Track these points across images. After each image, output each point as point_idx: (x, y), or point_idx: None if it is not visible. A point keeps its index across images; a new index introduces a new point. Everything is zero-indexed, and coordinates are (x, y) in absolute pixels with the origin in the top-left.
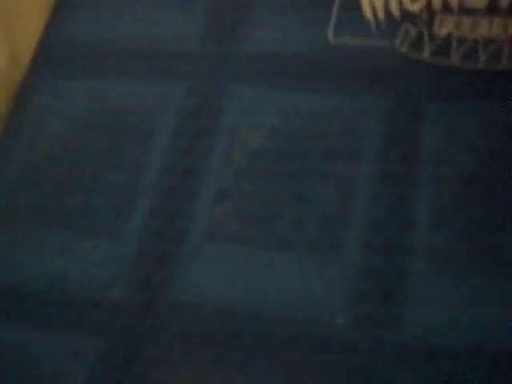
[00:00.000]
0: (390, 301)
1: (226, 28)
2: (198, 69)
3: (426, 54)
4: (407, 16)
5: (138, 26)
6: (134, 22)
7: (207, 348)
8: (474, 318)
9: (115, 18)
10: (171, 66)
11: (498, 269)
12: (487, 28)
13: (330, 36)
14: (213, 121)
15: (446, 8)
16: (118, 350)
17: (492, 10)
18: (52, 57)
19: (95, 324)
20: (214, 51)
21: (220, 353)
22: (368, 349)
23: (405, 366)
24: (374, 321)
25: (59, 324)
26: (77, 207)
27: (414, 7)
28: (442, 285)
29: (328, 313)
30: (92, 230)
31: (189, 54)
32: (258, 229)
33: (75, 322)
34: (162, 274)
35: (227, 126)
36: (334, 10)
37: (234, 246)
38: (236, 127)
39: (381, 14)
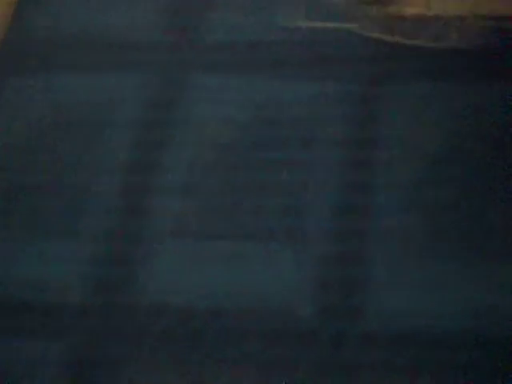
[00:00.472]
0: (352, 289)
1: (188, 15)
2: (158, 58)
3: (394, 35)
4: None
5: (99, 17)
6: (95, 13)
7: (170, 347)
8: (438, 303)
9: (76, 10)
10: (132, 57)
11: (462, 251)
12: (457, 6)
13: (297, 20)
14: (172, 112)
15: None
16: (79, 354)
17: None
18: (12, 53)
19: (55, 329)
20: (176, 40)
21: (183, 351)
22: (331, 339)
23: (369, 355)
24: (336, 310)
25: (19, 329)
26: (32, 207)
27: None
28: (405, 270)
29: (289, 304)
30: (50, 232)
31: (149, 43)
32: (217, 221)
33: (36, 326)
34: (121, 274)
35: (186, 117)
36: None
37: (193, 241)
38: (195, 118)
39: None
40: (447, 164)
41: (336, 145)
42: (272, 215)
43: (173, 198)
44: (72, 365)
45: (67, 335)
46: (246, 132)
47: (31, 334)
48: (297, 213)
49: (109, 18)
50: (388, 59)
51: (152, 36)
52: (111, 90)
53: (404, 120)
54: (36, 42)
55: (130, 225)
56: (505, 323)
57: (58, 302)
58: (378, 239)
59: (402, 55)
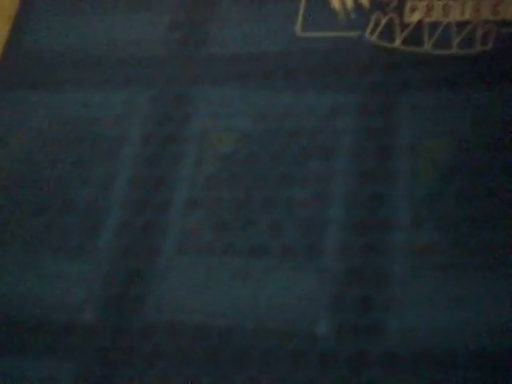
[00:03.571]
0: (370, 306)
1: (189, 29)
2: (163, 73)
3: (397, 42)
4: (377, 4)
5: (98, 33)
6: (94, 28)
7: (183, 367)
8: (457, 320)
9: (75, 27)
10: (135, 72)
11: (481, 265)
12: (459, 11)
13: (299, 30)
14: (181, 127)
15: None
16: (92, 373)
17: None
18: (12, 68)
19: (68, 348)
20: (178, 54)
21: (197, 371)
22: (350, 359)
23: (388, 374)
24: (355, 329)
25: (31, 349)
26: (44, 226)
27: None
28: (424, 286)
29: (307, 322)
30: (61, 250)
31: (152, 58)
32: (232, 237)
33: (48, 346)
34: (134, 293)
35: (196, 132)
36: (302, 3)
37: (208, 257)
38: (205, 132)
39: (350, 4)
40: (461, 174)
41: (345, 156)
42: (287, 230)
43: (187, 214)
44: None
45: (79, 356)
46: (263, 145)
47: (42, 354)
48: (312, 227)
49: (110, 32)
50: (389, 67)
51: (156, 51)
52: (114, 106)
53: (414, 129)
54: (35, 57)
55: (142, 242)
56: None
57: (72, 323)
58: (394, 253)
59: (404, 62)
